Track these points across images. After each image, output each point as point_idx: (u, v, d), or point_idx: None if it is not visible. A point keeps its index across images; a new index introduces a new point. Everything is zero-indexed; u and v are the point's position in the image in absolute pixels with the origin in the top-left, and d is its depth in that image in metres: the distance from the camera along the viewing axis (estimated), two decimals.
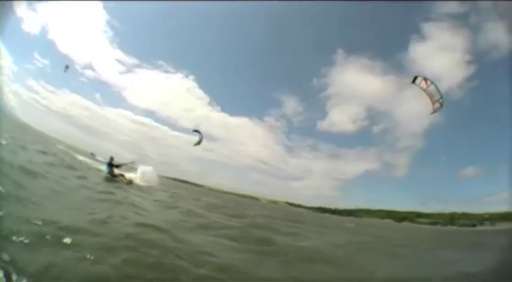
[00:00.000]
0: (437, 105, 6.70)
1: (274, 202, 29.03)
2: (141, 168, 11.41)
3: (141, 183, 10.31)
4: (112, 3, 24.47)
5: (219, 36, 27.89)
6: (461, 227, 36.23)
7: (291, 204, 28.19)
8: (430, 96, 6.91)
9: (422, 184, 29.73)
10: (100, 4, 25.18)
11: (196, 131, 16.53)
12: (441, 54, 27.91)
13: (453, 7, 26.12)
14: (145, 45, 29.46)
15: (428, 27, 26.68)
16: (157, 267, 2.81)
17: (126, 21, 26.70)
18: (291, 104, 28.25)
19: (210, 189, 27.06)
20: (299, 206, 27.63)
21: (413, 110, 27.52)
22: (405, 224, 28.36)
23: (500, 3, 23.95)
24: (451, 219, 35.13)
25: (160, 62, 27.45)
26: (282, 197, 28.55)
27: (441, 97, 6.67)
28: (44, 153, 9.99)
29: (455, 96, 27.72)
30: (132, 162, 10.68)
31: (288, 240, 6.29)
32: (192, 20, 28.25)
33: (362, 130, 28.82)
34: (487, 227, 38.53)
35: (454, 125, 28.94)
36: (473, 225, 38.42)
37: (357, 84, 28.62)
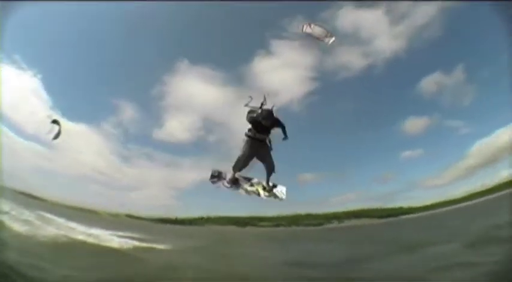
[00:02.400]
0: (328, 39, 6.77)
1: (115, 215, 27.34)
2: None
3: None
4: None
5: (66, 34, 25.06)
6: (307, 227, 36.90)
7: (131, 217, 27.03)
8: (319, 36, 6.96)
9: None
10: None
11: (55, 121, 14.16)
12: (285, 70, 29.84)
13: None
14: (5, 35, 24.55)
15: (277, 44, 27.45)
16: None
17: None
18: (129, 111, 26.88)
19: (53, 203, 24.35)
20: (139, 218, 26.58)
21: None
22: (249, 229, 29.41)
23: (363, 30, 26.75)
24: (295, 220, 35.88)
25: (16, 56, 23.50)
26: (122, 209, 26.96)
27: (329, 32, 6.76)
28: None
29: (294, 109, 29.39)
30: None
31: None
32: (47, 16, 24.99)
33: (197, 139, 29.14)
34: (335, 225, 40.00)
35: (293, 135, 30.52)
36: (320, 224, 38.92)
37: (196, 94, 28.55)
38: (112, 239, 15.70)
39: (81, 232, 16.68)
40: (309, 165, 33.46)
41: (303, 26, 7.41)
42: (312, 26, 7.13)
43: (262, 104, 6.21)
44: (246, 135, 6.26)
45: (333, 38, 6.88)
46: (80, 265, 9.86)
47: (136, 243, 14.92)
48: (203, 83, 27.63)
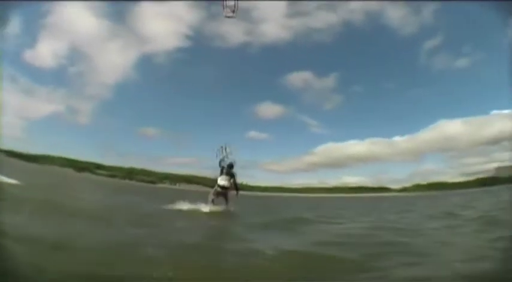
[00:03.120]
0: (230, 14, 6.35)
1: None
2: None
3: None
4: None
5: None
6: (139, 182, 35.80)
7: None
8: (227, 4, 6.27)
9: (103, 134, 28.37)
10: None
11: None
12: (166, 20, 31.37)
13: None
14: None
15: None
16: None
17: None
18: (15, 24, 25.16)
19: None
20: None
21: (114, 62, 30.95)
22: (85, 175, 28.26)
23: (257, 11, 29.06)
24: (129, 173, 35.04)
25: None
26: None
27: (236, 10, 6.28)
28: None
29: (160, 60, 32.45)
30: None
31: None
32: None
33: (60, 68, 29.28)
34: (166, 185, 38.41)
35: (145, 85, 31.13)
36: (152, 182, 37.62)
37: (74, 20, 28.34)
38: None
39: None
40: (153, 119, 30.76)
41: None
42: None
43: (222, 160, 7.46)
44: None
45: (234, 17, 6.39)
46: None
47: None
48: (85, 11, 27.92)
